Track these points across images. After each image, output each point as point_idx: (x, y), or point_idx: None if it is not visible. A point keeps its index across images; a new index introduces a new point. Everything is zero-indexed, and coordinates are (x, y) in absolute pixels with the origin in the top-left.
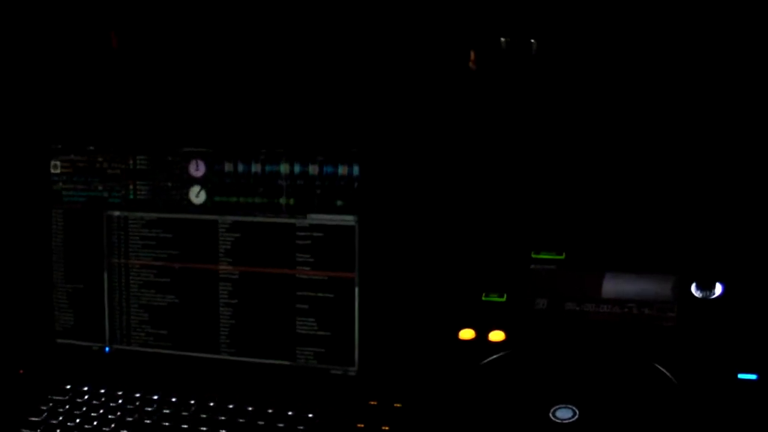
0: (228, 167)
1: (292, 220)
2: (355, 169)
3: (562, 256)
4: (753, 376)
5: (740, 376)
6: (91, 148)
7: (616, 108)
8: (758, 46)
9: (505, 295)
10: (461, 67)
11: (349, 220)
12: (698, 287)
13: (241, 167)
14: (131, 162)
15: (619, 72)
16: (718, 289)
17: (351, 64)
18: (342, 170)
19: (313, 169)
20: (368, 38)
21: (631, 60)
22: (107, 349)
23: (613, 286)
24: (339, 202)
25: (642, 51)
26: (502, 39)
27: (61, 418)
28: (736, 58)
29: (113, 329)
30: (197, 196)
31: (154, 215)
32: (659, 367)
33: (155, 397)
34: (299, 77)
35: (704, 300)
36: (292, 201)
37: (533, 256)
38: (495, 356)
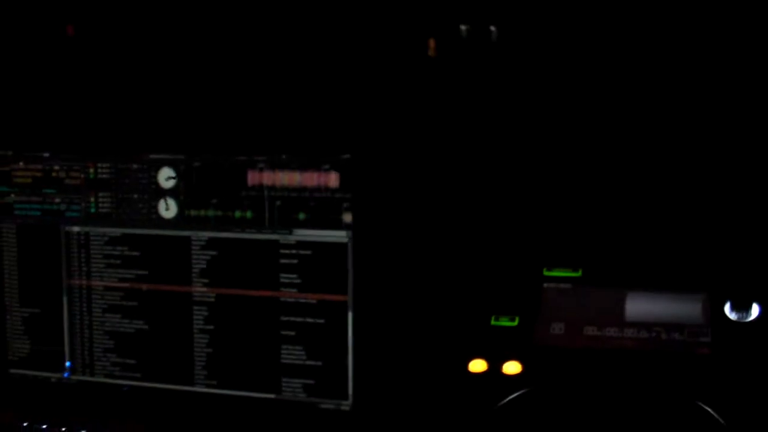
0: (202, 176)
1: (276, 237)
2: (348, 179)
3: (579, 273)
4: None
5: None
6: (46, 154)
7: (627, 103)
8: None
9: (517, 319)
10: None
11: (341, 236)
12: (733, 308)
13: (217, 176)
14: (92, 171)
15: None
16: (756, 310)
17: (337, 63)
18: (332, 180)
19: (299, 179)
20: (348, 38)
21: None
22: (67, 377)
23: (637, 307)
24: (329, 216)
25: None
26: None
27: None
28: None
29: (74, 358)
30: (167, 209)
31: (118, 231)
32: (702, 405)
33: None
34: (279, 74)
35: (740, 323)
36: (275, 215)
37: (546, 273)
38: (512, 396)
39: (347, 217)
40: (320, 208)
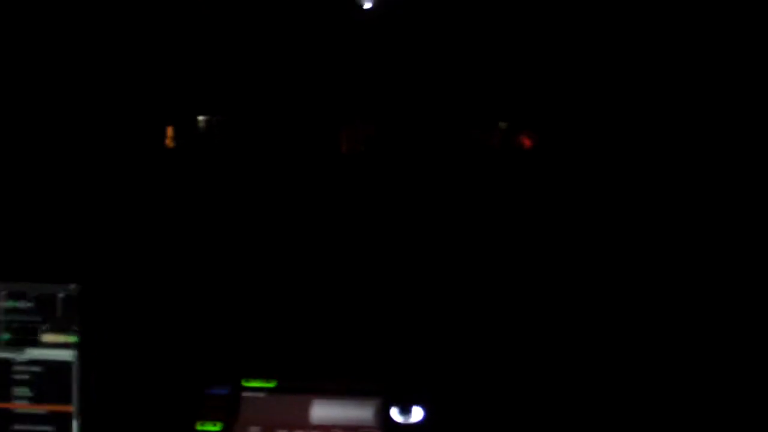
0: None
1: (10, 355)
2: (73, 306)
3: (273, 384)
4: None
5: None
6: None
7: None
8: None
9: (219, 424)
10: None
11: (66, 355)
12: (399, 411)
13: None
14: None
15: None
16: (419, 413)
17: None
18: (58, 310)
19: (28, 303)
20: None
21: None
22: None
23: (321, 411)
24: (58, 338)
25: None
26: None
27: None
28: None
29: None
30: None
31: None
32: None
33: None
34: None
35: (406, 425)
36: (7, 336)
37: (244, 384)
38: None
39: (74, 339)
40: (50, 329)
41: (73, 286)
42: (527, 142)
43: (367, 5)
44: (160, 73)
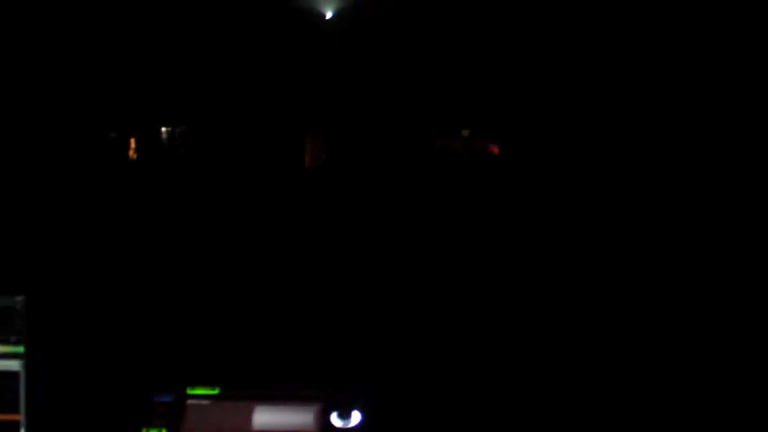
0: None
1: None
2: (20, 317)
3: (217, 391)
4: None
5: None
6: None
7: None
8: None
9: (165, 431)
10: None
11: (14, 365)
12: (338, 416)
13: None
14: None
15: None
16: (357, 417)
17: None
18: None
19: None
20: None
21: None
22: None
23: (262, 417)
24: (6, 349)
25: None
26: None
27: None
28: None
29: None
30: None
31: None
32: None
33: None
34: None
35: (344, 429)
36: None
37: (188, 391)
38: None
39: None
40: None
41: (19, 298)
42: (495, 150)
43: (329, 15)
44: (123, 85)
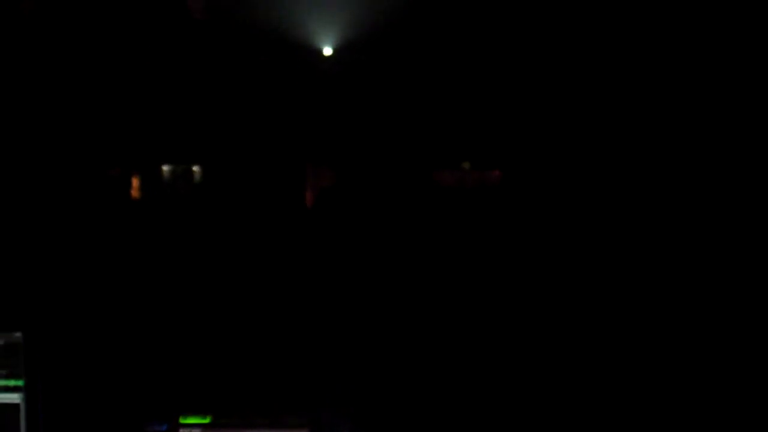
0: None
1: None
2: (19, 352)
3: (208, 419)
4: None
5: None
6: None
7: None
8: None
9: None
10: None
11: (14, 398)
12: None
13: None
14: None
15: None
16: None
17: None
18: (5, 356)
19: None
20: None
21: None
22: None
23: None
24: (7, 383)
25: None
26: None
27: None
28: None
29: None
30: None
31: None
32: None
33: None
34: None
35: None
36: None
37: (181, 420)
38: None
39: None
40: None
41: (18, 334)
42: (495, 181)
43: (328, 52)
44: (125, 124)
